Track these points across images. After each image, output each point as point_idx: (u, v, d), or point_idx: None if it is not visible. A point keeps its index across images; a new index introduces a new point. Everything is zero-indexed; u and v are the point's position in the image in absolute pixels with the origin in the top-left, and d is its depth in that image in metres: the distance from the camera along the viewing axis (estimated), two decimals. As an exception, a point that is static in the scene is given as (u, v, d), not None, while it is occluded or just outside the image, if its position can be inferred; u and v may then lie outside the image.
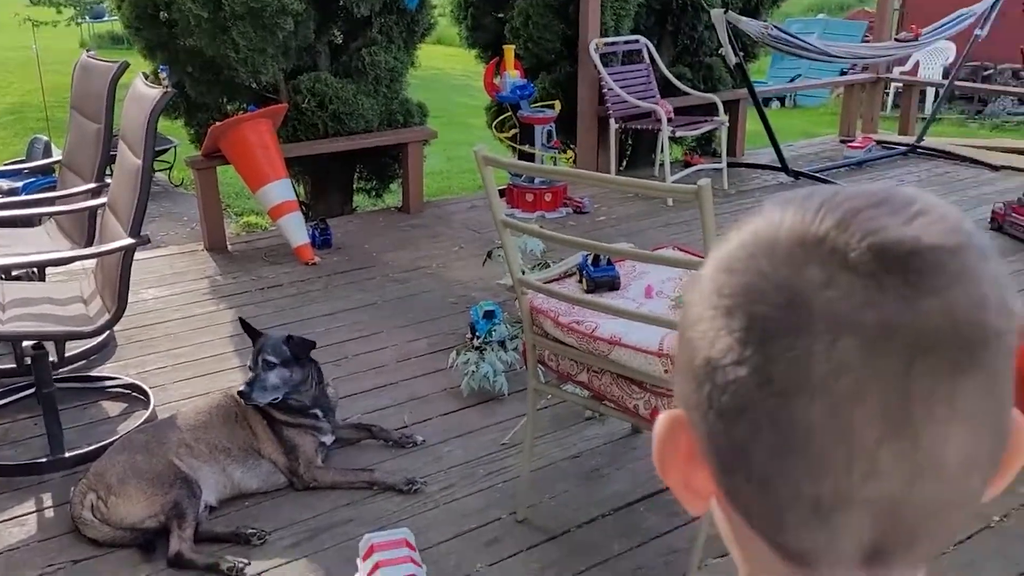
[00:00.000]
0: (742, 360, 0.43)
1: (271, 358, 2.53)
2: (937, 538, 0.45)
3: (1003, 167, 6.15)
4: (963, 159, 6.37)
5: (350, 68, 5.13)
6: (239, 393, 2.51)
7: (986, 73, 10.33)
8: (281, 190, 4.42)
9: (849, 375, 0.41)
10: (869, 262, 0.41)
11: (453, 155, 7.99)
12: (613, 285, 2.33)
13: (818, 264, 0.42)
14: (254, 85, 4.84)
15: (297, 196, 4.79)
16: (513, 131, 5.38)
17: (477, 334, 3.17)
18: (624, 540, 2.33)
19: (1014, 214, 4.69)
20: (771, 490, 0.44)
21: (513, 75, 5.30)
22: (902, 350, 0.40)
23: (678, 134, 5.54)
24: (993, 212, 4.88)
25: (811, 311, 0.41)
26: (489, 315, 3.19)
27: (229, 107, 5.16)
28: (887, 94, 9.34)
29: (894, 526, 0.43)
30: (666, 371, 1.98)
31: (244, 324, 2.71)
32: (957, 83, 7.30)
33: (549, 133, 5.22)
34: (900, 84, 8.26)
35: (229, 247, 4.71)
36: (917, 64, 9.63)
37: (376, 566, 2.01)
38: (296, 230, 4.45)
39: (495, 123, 5.67)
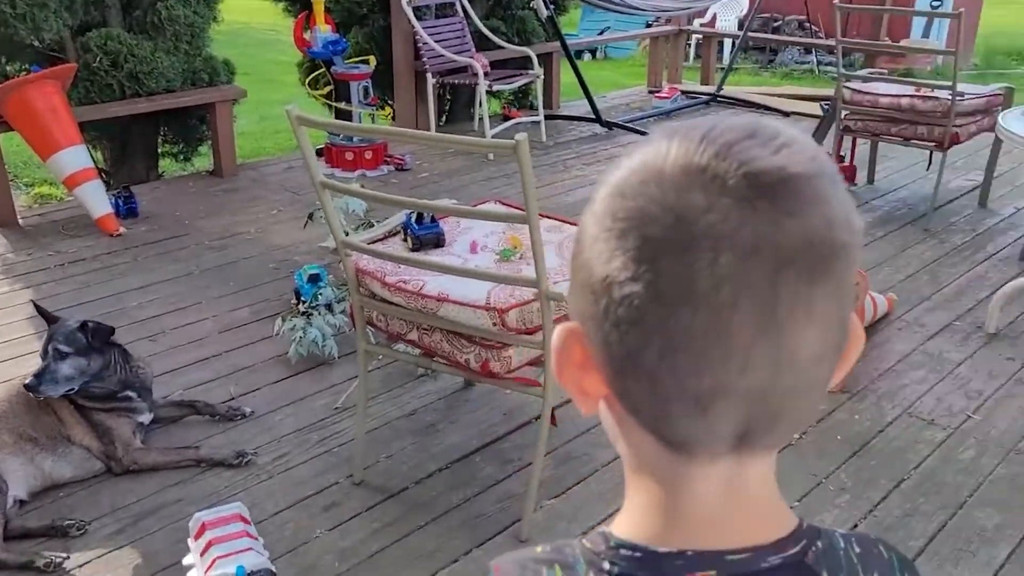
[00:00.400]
0: (636, 276, 0.48)
1: (63, 347, 2.36)
2: (793, 421, 0.52)
3: (793, 113, 6.60)
4: (759, 106, 6.78)
5: (145, 23, 4.79)
6: (25, 386, 2.32)
7: (775, 24, 10.99)
8: (75, 157, 4.10)
9: (727, 286, 0.46)
10: (744, 188, 0.47)
11: (266, 114, 7.68)
12: (438, 242, 2.32)
13: (701, 190, 0.47)
14: (36, 43, 4.43)
15: (95, 163, 4.46)
16: (328, 88, 5.24)
17: (303, 299, 3.09)
18: (461, 491, 2.37)
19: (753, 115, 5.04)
20: (659, 388, 0.49)
21: (324, 30, 5.13)
22: (770, 264, 0.46)
23: (495, 88, 5.57)
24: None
25: (695, 231, 0.47)
26: (314, 279, 3.12)
27: (9, 68, 4.71)
28: (689, 45, 9.76)
29: (760, 412, 0.49)
30: (494, 324, 2.01)
31: (38, 308, 2.52)
32: (750, 34, 7.73)
33: (366, 89, 5.12)
34: (700, 36, 8.65)
35: (20, 221, 4.33)
36: (715, 16, 10.11)
37: (209, 544, 1.95)
38: (96, 200, 4.15)
39: (308, 80, 5.49)
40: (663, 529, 0.54)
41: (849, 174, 4.81)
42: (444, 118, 6.32)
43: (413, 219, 2.33)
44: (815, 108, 6.65)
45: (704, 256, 0.46)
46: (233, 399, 2.79)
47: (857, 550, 0.58)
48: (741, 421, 0.50)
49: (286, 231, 4.18)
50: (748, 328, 0.47)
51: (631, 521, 0.56)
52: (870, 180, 4.97)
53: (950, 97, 4.04)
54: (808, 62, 10.90)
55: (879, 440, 2.58)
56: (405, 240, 2.35)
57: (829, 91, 7.60)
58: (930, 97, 4.13)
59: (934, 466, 2.46)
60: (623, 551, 0.54)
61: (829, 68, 10.82)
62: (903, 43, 10.48)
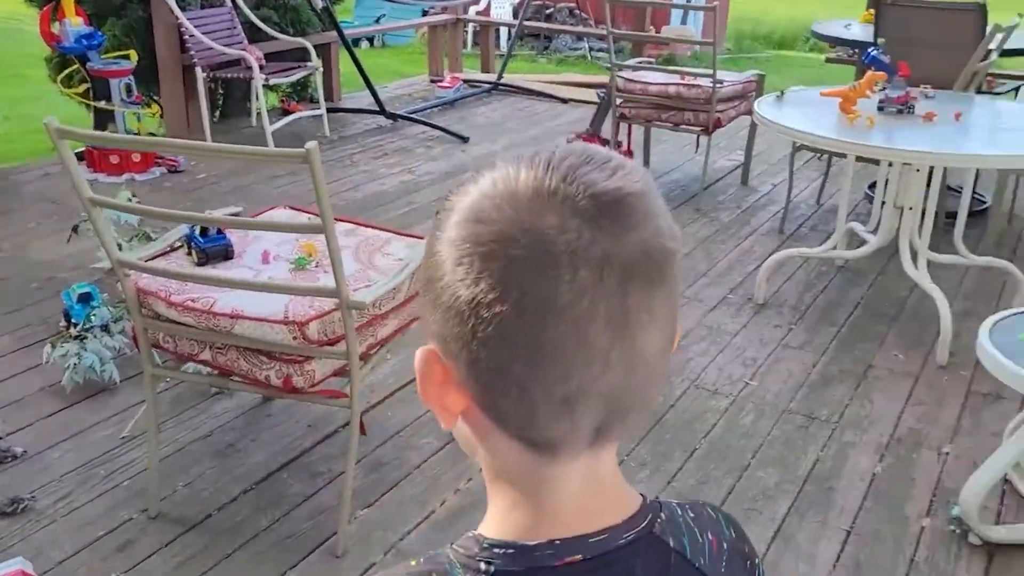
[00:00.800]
0: (503, 296, 0.52)
1: None
2: (641, 411, 0.58)
3: (571, 100, 6.85)
4: (538, 94, 6.97)
5: None
6: None
7: (548, 12, 11.33)
8: None
9: (586, 298, 0.52)
10: (591, 208, 0.52)
11: (12, 113, 6.96)
12: (227, 254, 2.20)
13: (554, 212, 0.52)
14: None
15: None
16: (84, 86, 4.82)
17: (74, 321, 2.84)
18: (270, 512, 2.27)
19: (583, 142, 5.24)
20: (528, 396, 0.54)
21: (75, 22, 4.71)
22: (618, 275, 0.52)
23: (272, 82, 5.36)
24: (567, 142, 5.41)
25: (555, 251, 0.52)
26: (85, 298, 2.87)
27: None
28: (466, 32, 9.86)
29: (616, 407, 0.55)
30: (295, 338, 1.93)
31: None
32: (525, 23, 7.92)
33: (128, 87, 4.76)
34: (477, 24, 8.76)
35: None
36: (489, 4, 10.27)
37: (-14, 609, 1.75)
38: None
39: (61, 77, 5.03)
40: (531, 525, 0.58)
41: (645, 159, 5.05)
42: (218, 114, 6.01)
43: (197, 230, 2.19)
44: (591, 95, 6.93)
45: (564, 273, 0.51)
46: (1, 439, 2.52)
47: (691, 515, 0.65)
48: (600, 418, 0.56)
49: (48, 246, 3.81)
50: (605, 334, 0.53)
51: (499, 522, 0.60)
52: (645, 163, 5.24)
53: (712, 85, 4.34)
54: (580, 48, 11.34)
55: (672, 414, 2.74)
56: (189, 254, 2.21)
57: (603, 77, 7.94)
58: (694, 85, 4.41)
59: (720, 433, 2.65)
60: (496, 550, 0.57)
61: (600, 55, 11.31)
62: (664, 31, 11.15)
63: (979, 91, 4.24)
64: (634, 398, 0.56)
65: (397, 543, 2.18)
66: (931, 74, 4.01)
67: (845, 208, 3.51)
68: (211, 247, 2.18)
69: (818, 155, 4.85)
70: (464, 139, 5.67)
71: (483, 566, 0.57)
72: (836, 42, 5.47)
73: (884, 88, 3.28)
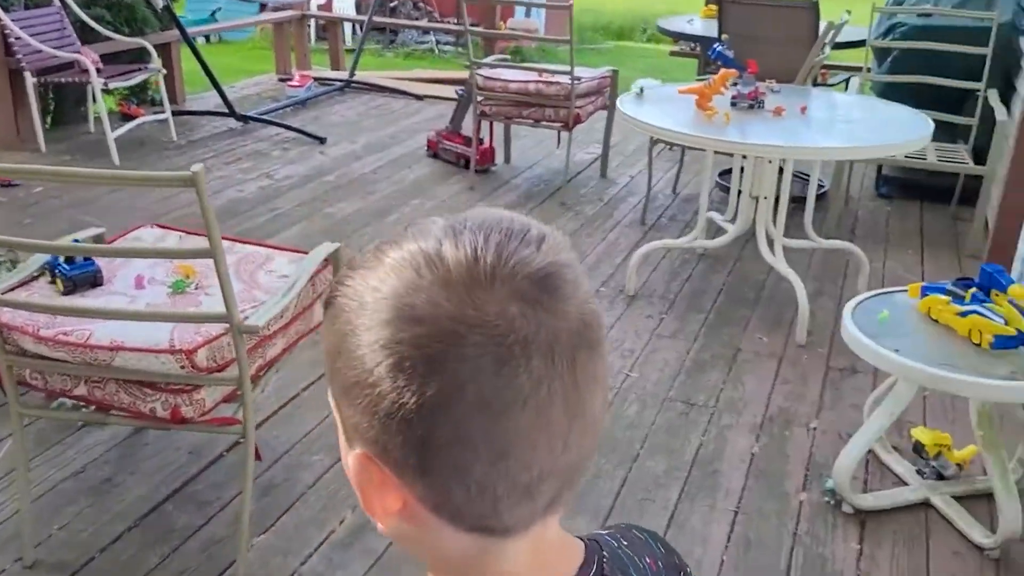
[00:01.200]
0: (458, 399, 0.49)
1: None
2: (584, 474, 0.57)
3: (426, 96, 6.82)
4: (393, 91, 6.90)
5: None
6: None
7: (392, 5, 11.22)
8: None
9: (543, 385, 0.50)
10: (530, 290, 0.50)
11: None
12: (95, 281, 2.08)
13: (495, 301, 0.49)
14: None
15: None
16: None
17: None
18: (159, 548, 2.17)
19: (445, 141, 5.25)
20: (490, 491, 0.52)
21: None
22: (566, 353, 0.51)
23: (111, 86, 5.06)
24: (428, 140, 5.40)
25: (506, 343, 0.49)
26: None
27: None
28: (309, 27, 9.63)
29: (571, 479, 0.55)
30: (182, 367, 1.85)
31: None
32: (374, 19, 7.81)
33: (-51, 95, 4.37)
34: (322, 20, 8.56)
35: None
36: (332, -2, 10.05)
37: None
38: None
39: None
40: None
41: (489, 156, 5.09)
42: (50, 120, 5.61)
43: (61, 257, 2.05)
44: (447, 91, 6.93)
45: (520, 364, 0.49)
46: None
47: (625, 543, 0.65)
48: (556, 491, 0.55)
49: None
50: (564, 415, 0.51)
51: None
52: (506, 159, 5.30)
53: (570, 81, 4.43)
54: (427, 42, 11.30)
55: (559, 410, 2.80)
56: (53, 282, 2.07)
57: (456, 72, 7.94)
58: (553, 82, 4.49)
59: (607, 426, 2.72)
60: None
61: (447, 48, 11.32)
62: (510, 23, 11.27)
63: (815, 83, 4.53)
64: (584, 464, 0.55)
65: (299, 568, 2.12)
66: (773, 68, 4.26)
67: (705, 199, 3.67)
68: (78, 275, 2.05)
69: (669, 146, 5.05)
70: (321, 140, 5.55)
71: None
72: (680, 37, 5.69)
73: (736, 84, 3.45)
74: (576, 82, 4.44)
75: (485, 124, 4.91)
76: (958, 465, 2.45)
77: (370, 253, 0.55)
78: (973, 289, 2.22)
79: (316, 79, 6.95)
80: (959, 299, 2.23)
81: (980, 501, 2.41)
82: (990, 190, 4.10)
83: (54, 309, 1.88)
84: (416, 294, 0.50)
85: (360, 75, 7.10)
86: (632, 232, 4.30)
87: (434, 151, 5.34)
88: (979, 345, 2.14)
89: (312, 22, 9.50)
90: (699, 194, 4.80)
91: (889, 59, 4.63)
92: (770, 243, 3.44)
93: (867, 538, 2.27)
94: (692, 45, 6.34)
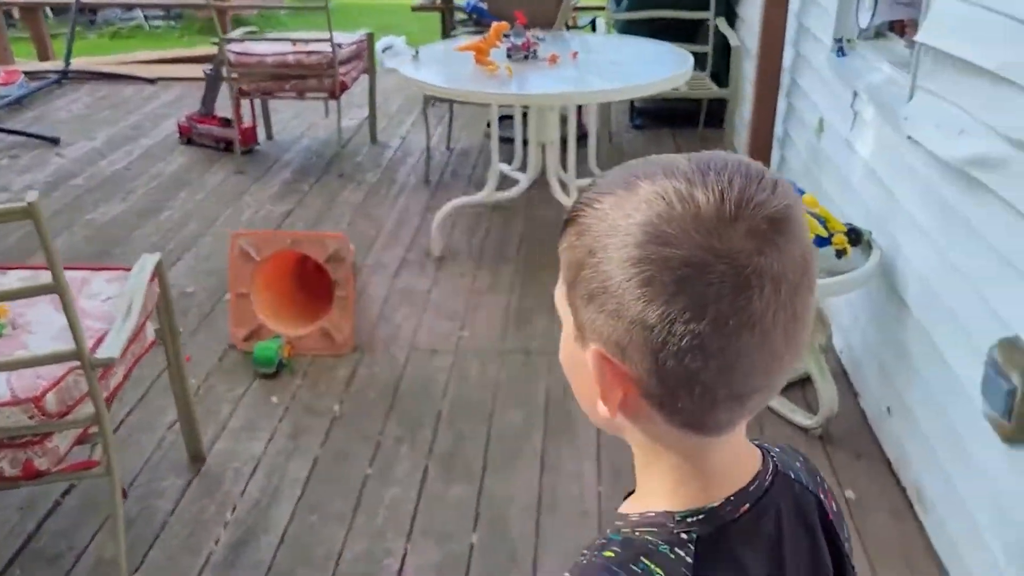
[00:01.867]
0: (700, 314, 0.57)
1: None
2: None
3: (159, 79, 6.34)
4: (119, 77, 6.34)
5: None
6: None
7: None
8: None
9: (769, 311, 0.58)
10: (768, 230, 0.58)
11: None
12: None
13: (739, 236, 0.57)
14: None
15: None
16: None
17: None
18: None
19: (199, 125, 4.93)
20: (711, 396, 0.60)
21: None
22: (791, 285, 0.59)
23: None
24: (179, 126, 5.04)
25: (746, 272, 0.57)
26: None
27: None
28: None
29: (771, 393, 0.64)
30: (31, 417, 1.65)
31: None
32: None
33: None
34: (18, 6, 7.63)
35: None
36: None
37: None
38: None
39: None
40: (703, 491, 0.66)
41: (250, 135, 4.86)
42: None
43: None
44: (182, 71, 6.49)
45: (755, 291, 0.57)
46: None
47: (777, 449, 0.75)
48: (759, 402, 0.64)
49: None
50: (782, 339, 0.60)
51: (670, 494, 0.67)
52: (268, 136, 5.08)
53: (331, 49, 4.31)
54: (134, 18, 10.45)
55: (404, 384, 2.80)
56: None
57: (184, 50, 7.44)
58: (313, 52, 4.35)
59: (457, 390, 2.77)
60: (689, 519, 0.65)
61: (158, 23, 10.52)
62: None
63: (568, 27, 4.73)
64: (784, 382, 0.64)
65: (188, 600, 2.00)
66: (527, 16, 4.40)
67: (496, 154, 3.75)
68: None
69: (433, 103, 5.07)
70: (54, 140, 5.02)
71: (684, 536, 0.64)
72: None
73: (508, 36, 3.53)
74: (338, 49, 4.33)
75: (243, 102, 4.67)
76: (771, 361, 2.74)
77: (618, 181, 0.62)
78: (771, 204, 2.47)
79: (26, 74, 6.22)
80: (760, 215, 2.47)
81: (794, 389, 2.72)
82: (734, 110, 4.52)
83: None
84: (669, 223, 0.58)
85: (76, 63, 6.44)
86: (420, 193, 4.31)
87: (188, 137, 5.01)
88: (784, 253, 2.39)
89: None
90: (472, 148, 4.91)
91: (626, -2, 4.92)
92: (563, 186, 3.59)
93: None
94: (433, -1, 6.35)
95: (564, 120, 3.67)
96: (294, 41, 4.50)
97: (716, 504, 0.66)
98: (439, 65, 3.49)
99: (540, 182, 3.72)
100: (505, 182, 3.81)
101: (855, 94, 2.77)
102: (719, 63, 4.72)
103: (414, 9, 6.52)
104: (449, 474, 2.39)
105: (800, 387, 2.73)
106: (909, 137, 2.25)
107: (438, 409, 2.67)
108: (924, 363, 2.19)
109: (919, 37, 2.15)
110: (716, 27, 4.75)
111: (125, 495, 2.16)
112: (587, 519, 2.22)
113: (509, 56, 3.50)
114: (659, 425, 0.64)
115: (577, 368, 0.66)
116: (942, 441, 2.07)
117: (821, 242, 2.37)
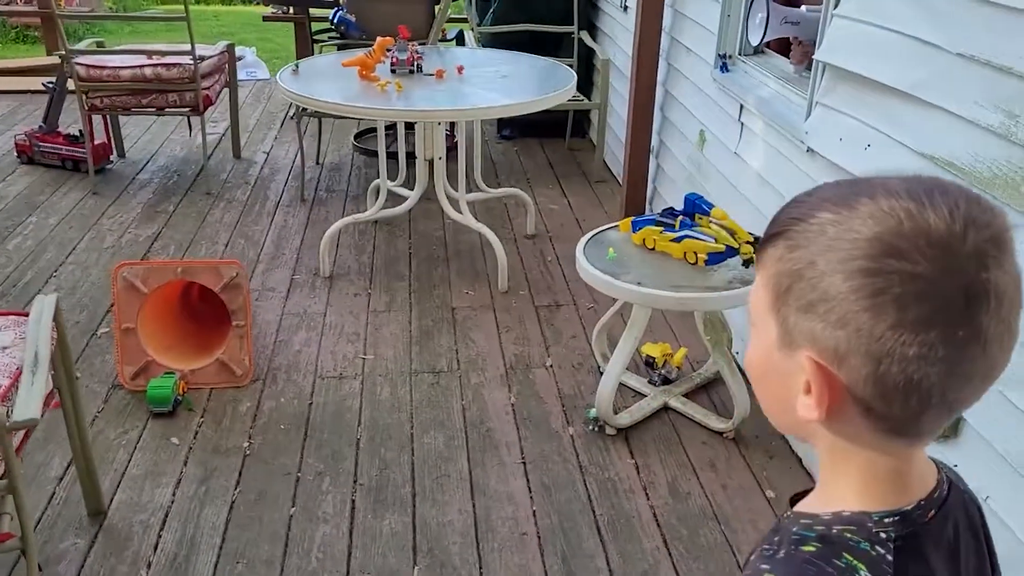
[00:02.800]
0: (928, 328, 0.60)
1: None
2: None
3: (-17, 92, 5.82)
4: (-65, 90, 5.76)
5: None
6: None
7: None
8: None
9: (993, 323, 0.61)
10: (992, 250, 0.61)
11: None
12: None
13: (968, 257, 0.60)
14: None
15: None
16: None
17: None
18: None
19: (42, 143, 4.55)
20: (924, 403, 0.63)
21: None
22: (1010, 300, 0.62)
23: None
24: (17, 144, 4.64)
25: (977, 289, 0.60)
26: None
27: None
28: None
29: (973, 403, 0.66)
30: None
31: None
32: None
33: None
34: None
35: None
36: None
37: None
38: None
39: None
40: (895, 494, 0.69)
41: (105, 152, 4.53)
42: None
43: None
44: (9, 84, 5.99)
45: (982, 305, 0.61)
46: None
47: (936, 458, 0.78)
48: (961, 412, 0.67)
49: None
50: (998, 350, 0.63)
51: (860, 498, 0.69)
52: (120, 155, 4.77)
53: (192, 62, 4.08)
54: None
55: (315, 413, 2.68)
56: None
57: (15, 61, 6.85)
58: (174, 64, 4.10)
59: (371, 415, 2.68)
60: (887, 519, 0.67)
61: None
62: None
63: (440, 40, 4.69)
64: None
65: (115, 670, 1.83)
66: (394, 29, 4.34)
67: (384, 169, 3.66)
68: None
69: (294, 116, 4.90)
70: None
71: (883, 535, 0.66)
72: (283, 2, 5.50)
73: (390, 50, 3.46)
74: (200, 62, 4.10)
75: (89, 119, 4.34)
76: (678, 368, 2.83)
77: (831, 199, 0.64)
78: (681, 217, 2.54)
79: None
80: (670, 227, 2.54)
81: (701, 393, 2.82)
82: (603, 121, 4.63)
83: None
84: (901, 239, 0.60)
85: None
86: (297, 211, 4.16)
87: (29, 156, 4.61)
88: (695, 264, 2.47)
89: None
90: (343, 163, 4.80)
91: (491, 11, 4.94)
92: (451, 201, 3.56)
93: (636, 452, 2.55)
94: (285, 8, 6.16)
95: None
96: (150, 53, 4.24)
97: (909, 508, 0.69)
98: (325, 81, 3.37)
99: (421, 196, 3.67)
100: (389, 197, 3.73)
101: (742, 107, 2.90)
102: (582, 75, 4.82)
103: (265, 19, 6.31)
104: (379, 506, 2.31)
105: (704, 391, 2.83)
106: (809, 149, 2.38)
107: (356, 437, 2.58)
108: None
109: (819, 56, 2.28)
110: (581, 40, 4.86)
111: (41, 568, 1.95)
112: (527, 541, 2.20)
113: (393, 71, 3.44)
114: (860, 429, 0.66)
115: (771, 373, 0.70)
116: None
117: (731, 252, 2.46)
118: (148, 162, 4.75)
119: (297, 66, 3.48)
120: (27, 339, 1.76)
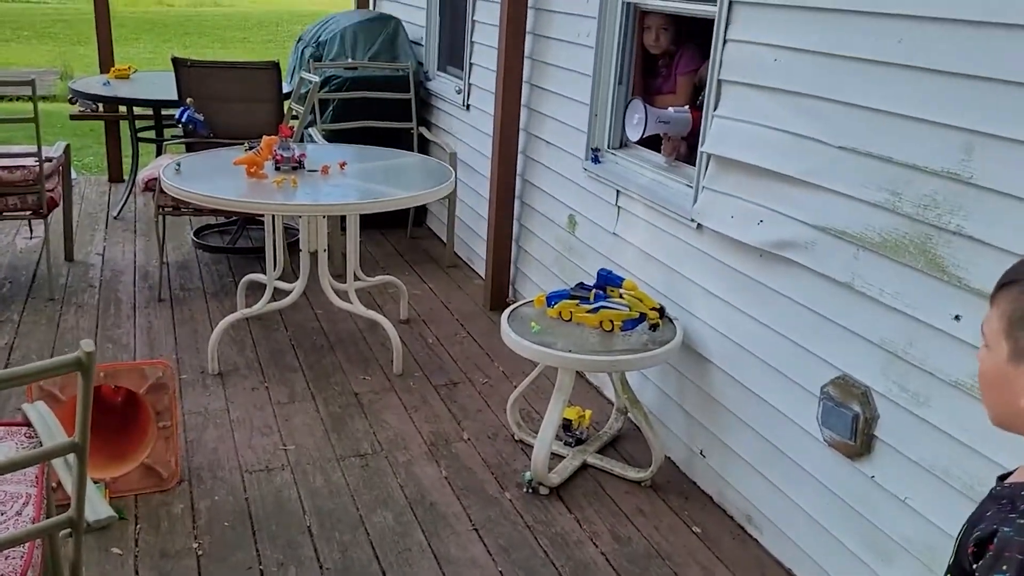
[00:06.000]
0: None
1: None
2: None
3: None
4: None
5: None
6: None
7: None
8: None
9: None
10: None
11: None
12: None
13: None
14: None
15: None
16: None
17: None
18: None
19: None
20: None
21: None
22: None
23: None
24: None
25: None
26: None
27: None
28: None
29: None
30: None
31: None
32: None
33: None
34: None
35: None
36: None
37: None
38: None
39: None
40: None
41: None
42: None
43: None
44: None
45: None
46: None
47: None
48: None
49: None
50: None
51: None
52: (-63, 262, 4.39)
53: (37, 163, 3.92)
54: None
55: (256, 508, 2.67)
56: None
57: None
58: (18, 167, 3.91)
59: (313, 503, 2.70)
60: None
61: None
62: None
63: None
64: None
65: None
66: (241, 127, 4.44)
67: (271, 262, 3.68)
68: None
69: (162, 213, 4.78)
70: None
71: None
72: (103, 100, 5.34)
73: (276, 149, 3.56)
74: (46, 163, 3.95)
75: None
76: (587, 428, 3.10)
77: None
78: (594, 290, 2.86)
79: None
80: (585, 300, 2.84)
81: (609, 449, 3.10)
82: (453, 212, 4.91)
83: None
84: None
85: None
86: (157, 311, 4.05)
87: None
88: (611, 331, 2.78)
89: None
90: (188, 260, 4.73)
91: (331, 108, 5.12)
92: (337, 291, 3.66)
93: (572, 507, 2.77)
94: (94, 106, 5.96)
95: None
96: (-11, 155, 4.01)
97: None
98: (212, 179, 3.40)
99: (282, 291, 3.72)
100: (261, 291, 3.74)
101: (618, 192, 3.30)
102: (428, 167, 5.10)
103: (73, 118, 6.07)
104: (352, 586, 2.36)
105: (612, 446, 3.12)
106: (699, 226, 2.79)
107: (306, 526, 2.60)
108: (738, 406, 2.69)
109: (705, 148, 2.71)
110: (420, 135, 5.16)
111: None
112: (504, 598, 2.35)
113: (278, 168, 3.53)
114: None
115: (1000, 380, 0.98)
116: (771, 467, 2.56)
117: (642, 318, 2.80)
118: (-31, 269, 4.42)
119: (179, 165, 3.48)
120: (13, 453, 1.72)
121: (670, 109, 3.12)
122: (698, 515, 2.77)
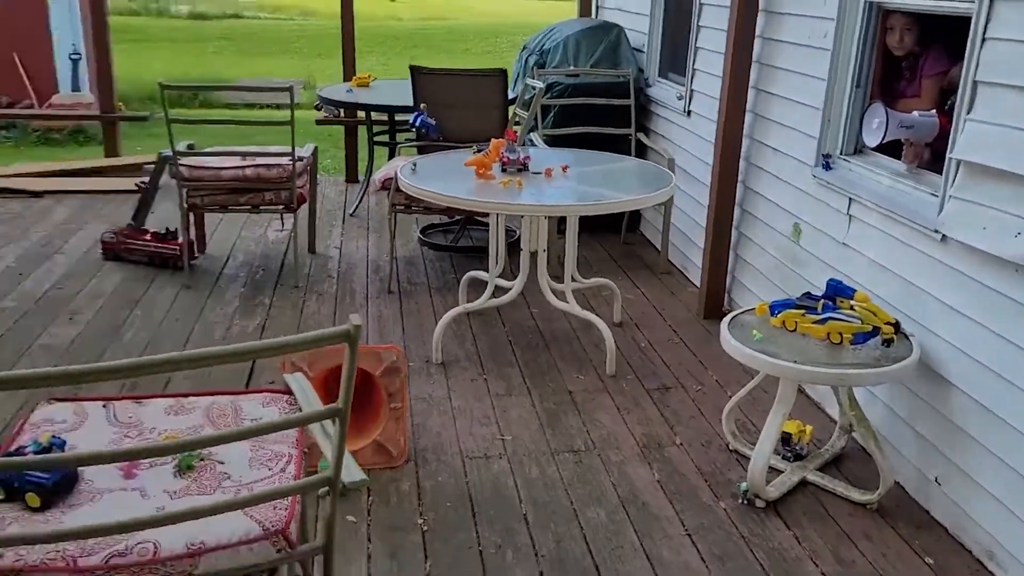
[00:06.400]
0: None
1: None
2: None
3: (45, 192, 5.96)
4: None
5: None
6: None
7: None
8: None
9: None
10: None
11: None
12: (73, 480, 1.64)
13: None
14: None
15: None
16: None
17: None
18: None
19: (130, 240, 4.69)
20: None
21: None
22: None
23: None
24: (103, 242, 4.76)
25: None
26: None
27: None
28: None
29: None
30: (279, 550, 1.57)
31: None
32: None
33: None
34: None
35: None
36: None
37: None
38: None
39: None
40: None
41: (193, 250, 4.68)
42: None
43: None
44: (68, 184, 6.16)
45: None
46: None
47: None
48: None
49: None
50: None
51: None
52: (202, 250, 4.91)
53: (290, 162, 4.30)
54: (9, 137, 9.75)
55: (475, 492, 2.79)
56: (10, 500, 1.59)
57: (67, 162, 7.00)
58: (274, 165, 4.31)
59: (528, 492, 2.79)
60: None
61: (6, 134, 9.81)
62: (57, 99, 10.20)
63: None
64: None
65: None
66: (471, 131, 4.62)
67: (494, 262, 3.85)
68: (57, 481, 1.60)
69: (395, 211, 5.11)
70: (-45, 260, 4.59)
71: None
72: (346, 106, 5.77)
73: (502, 151, 3.70)
74: (298, 162, 4.32)
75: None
76: (808, 444, 2.99)
77: None
78: (823, 300, 2.76)
79: None
80: (812, 310, 2.75)
81: (831, 468, 2.98)
82: (669, 218, 4.89)
83: (39, 538, 1.45)
84: None
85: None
86: (387, 302, 4.32)
87: (115, 253, 4.74)
88: (839, 344, 2.67)
89: None
90: (414, 256, 4.99)
91: (552, 113, 5.26)
92: (554, 291, 3.75)
93: (790, 523, 2.69)
94: (336, 112, 6.45)
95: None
96: (243, 154, 4.44)
97: None
98: (442, 179, 3.58)
99: (501, 289, 3.84)
100: (481, 287, 3.89)
101: (851, 201, 3.16)
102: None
103: (318, 123, 6.58)
104: (559, 572, 2.41)
105: (834, 465, 2.99)
106: (944, 237, 2.62)
107: (523, 513, 2.68)
108: (982, 432, 2.50)
109: (956, 154, 2.54)
110: (638, 140, 5.18)
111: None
112: (718, 606, 2.32)
113: (504, 170, 3.67)
114: None
115: None
116: (1020, 501, 2.36)
117: (875, 332, 2.66)
118: (229, 258, 4.90)
119: (415, 165, 3.70)
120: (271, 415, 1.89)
121: (914, 113, 2.95)
122: (930, 545, 2.60)
